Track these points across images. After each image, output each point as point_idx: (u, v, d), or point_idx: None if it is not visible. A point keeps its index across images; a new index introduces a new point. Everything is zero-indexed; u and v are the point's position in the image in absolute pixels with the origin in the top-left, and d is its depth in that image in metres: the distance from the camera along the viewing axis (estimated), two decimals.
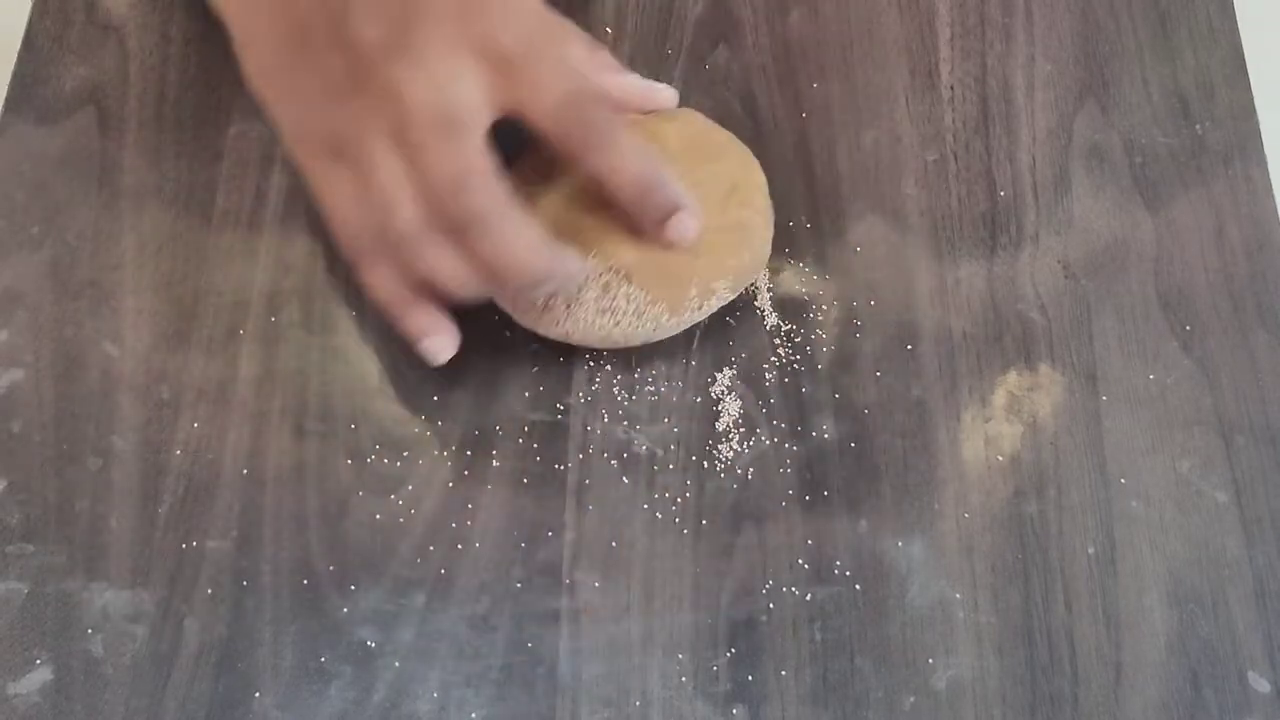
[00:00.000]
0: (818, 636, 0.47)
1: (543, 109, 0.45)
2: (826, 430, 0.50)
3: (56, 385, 0.50)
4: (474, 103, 0.45)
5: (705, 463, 0.49)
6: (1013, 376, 0.51)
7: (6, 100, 0.54)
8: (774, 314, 0.51)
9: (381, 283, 0.47)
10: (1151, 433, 0.50)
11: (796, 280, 0.52)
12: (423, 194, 0.45)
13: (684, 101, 0.55)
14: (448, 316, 0.48)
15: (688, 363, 0.51)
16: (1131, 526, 0.49)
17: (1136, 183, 0.54)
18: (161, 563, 0.47)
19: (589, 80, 0.47)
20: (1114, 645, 0.47)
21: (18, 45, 0.55)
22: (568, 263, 0.46)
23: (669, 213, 0.47)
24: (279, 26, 0.47)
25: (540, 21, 0.47)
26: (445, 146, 0.44)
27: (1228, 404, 0.51)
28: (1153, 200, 0.54)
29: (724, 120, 0.55)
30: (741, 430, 0.50)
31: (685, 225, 0.47)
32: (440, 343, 0.48)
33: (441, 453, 0.49)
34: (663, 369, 0.50)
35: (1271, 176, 0.55)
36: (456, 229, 0.45)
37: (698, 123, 0.52)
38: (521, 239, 0.45)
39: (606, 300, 0.48)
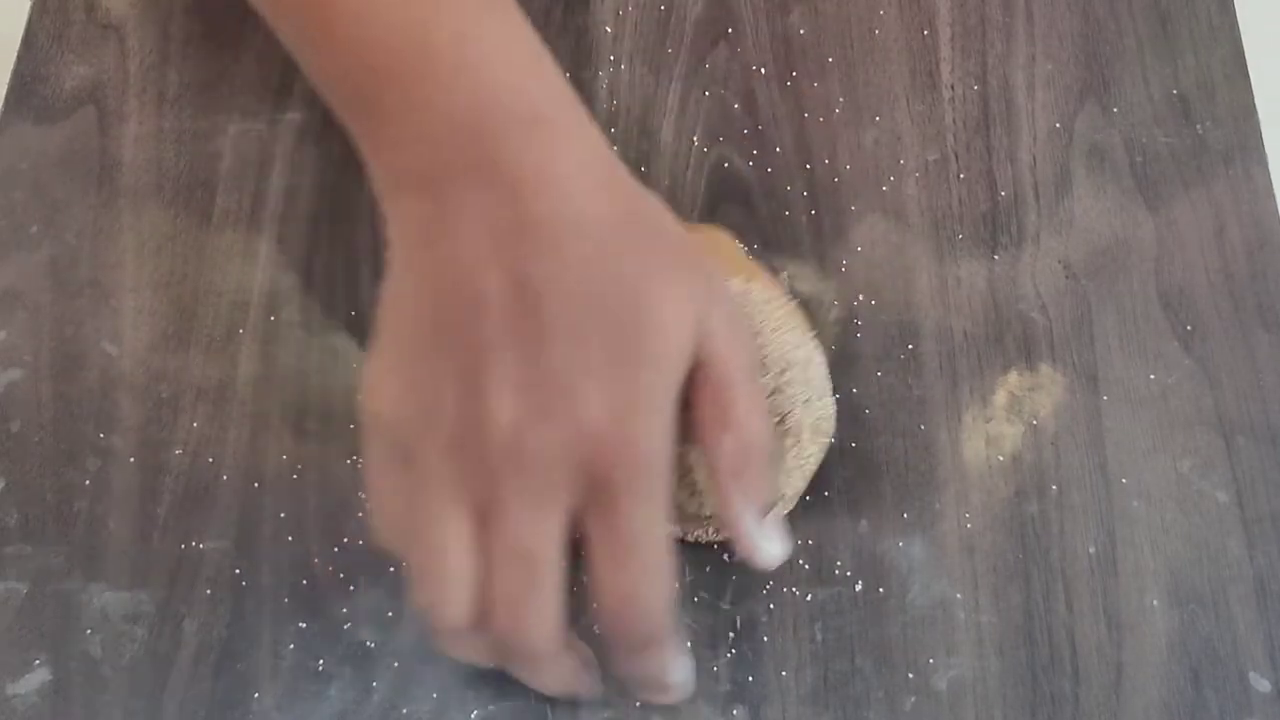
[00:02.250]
0: (818, 636, 0.47)
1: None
2: None
3: (56, 385, 0.50)
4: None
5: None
6: (1013, 376, 0.51)
7: (6, 100, 0.54)
8: None
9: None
10: (1152, 433, 0.50)
11: (797, 280, 0.52)
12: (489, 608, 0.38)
13: (684, 100, 0.55)
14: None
15: None
16: (1132, 526, 0.49)
17: (1137, 183, 0.54)
18: (161, 563, 0.47)
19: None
20: (1115, 645, 0.47)
21: (18, 45, 0.55)
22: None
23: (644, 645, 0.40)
24: (425, 315, 0.38)
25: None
26: (647, 550, 0.38)
27: (1228, 404, 0.51)
28: (1153, 200, 0.54)
29: (724, 120, 0.55)
30: None
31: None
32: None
33: None
34: None
35: (1272, 176, 0.55)
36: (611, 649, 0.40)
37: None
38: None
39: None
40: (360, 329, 0.51)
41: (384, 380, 0.39)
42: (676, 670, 0.42)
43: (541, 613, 0.38)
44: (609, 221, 0.38)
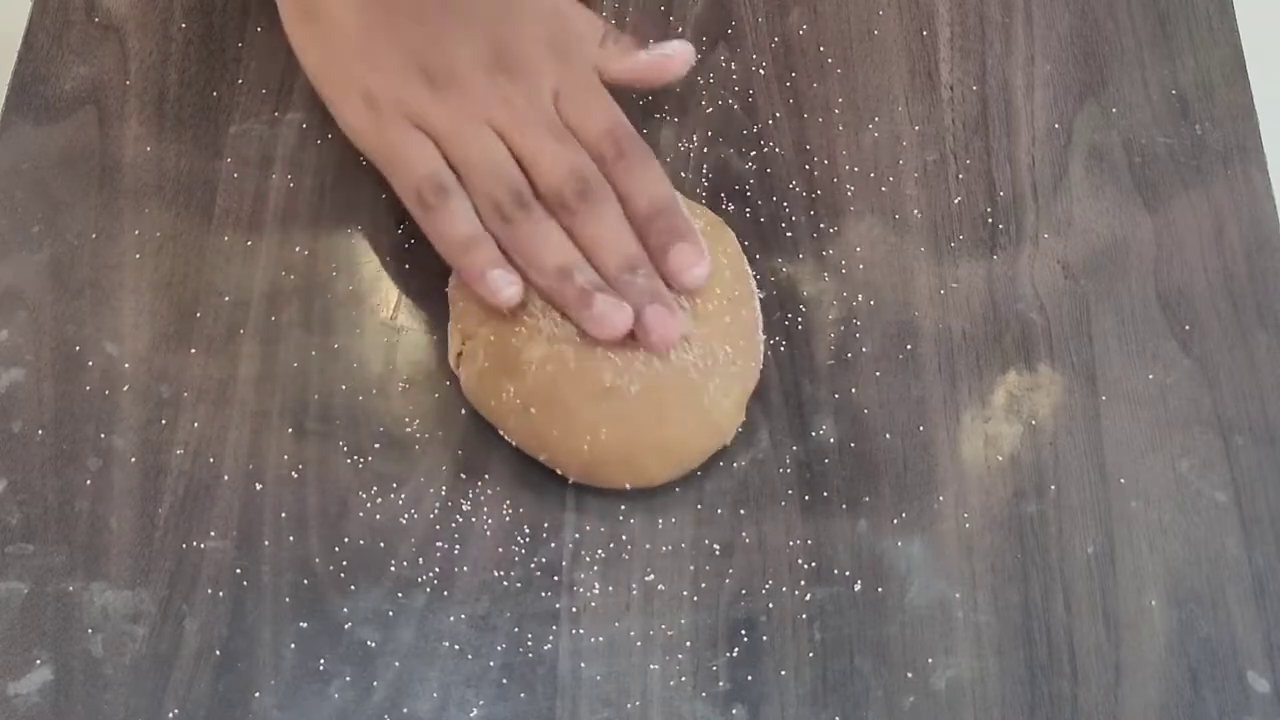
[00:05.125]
0: (817, 636, 0.47)
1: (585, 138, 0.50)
2: (826, 430, 0.50)
3: (56, 385, 0.50)
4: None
5: (705, 462, 0.49)
6: (1012, 376, 0.51)
7: (6, 100, 0.54)
8: (774, 314, 0.51)
9: (454, 225, 0.49)
10: (1151, 433, 0.50)
11: (796, 280, 0.52)
12: (554, 164, 0.48)
13: (684, 101, 0.55)
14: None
15: None
16: (1131, 526, 0.49)
17: (1136, 183, 0.54)
18: (161, 563, 0.47)
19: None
20: (1113, 645, 0.47)
21: (18, 45, 0.55)
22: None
23: (672, 240, 0.48)
24: None
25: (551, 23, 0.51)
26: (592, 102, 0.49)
27: (1227, 404, 0.51)
28: (1152, 200, 0.54)
29: (724, 120, 0.55)
30: (741, 430, 0.50)
31: (689, 259, 0.48)
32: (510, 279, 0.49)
33: (441, 452, 0.49)
34: None
35: (1271, 176, 0.55)
36: (568, 207, 0.48)
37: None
38: (620, 219, 0.49)
39: None
40: (361, 329, 0.51)
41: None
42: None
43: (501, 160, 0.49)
44: None
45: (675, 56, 0.52)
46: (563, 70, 0.50)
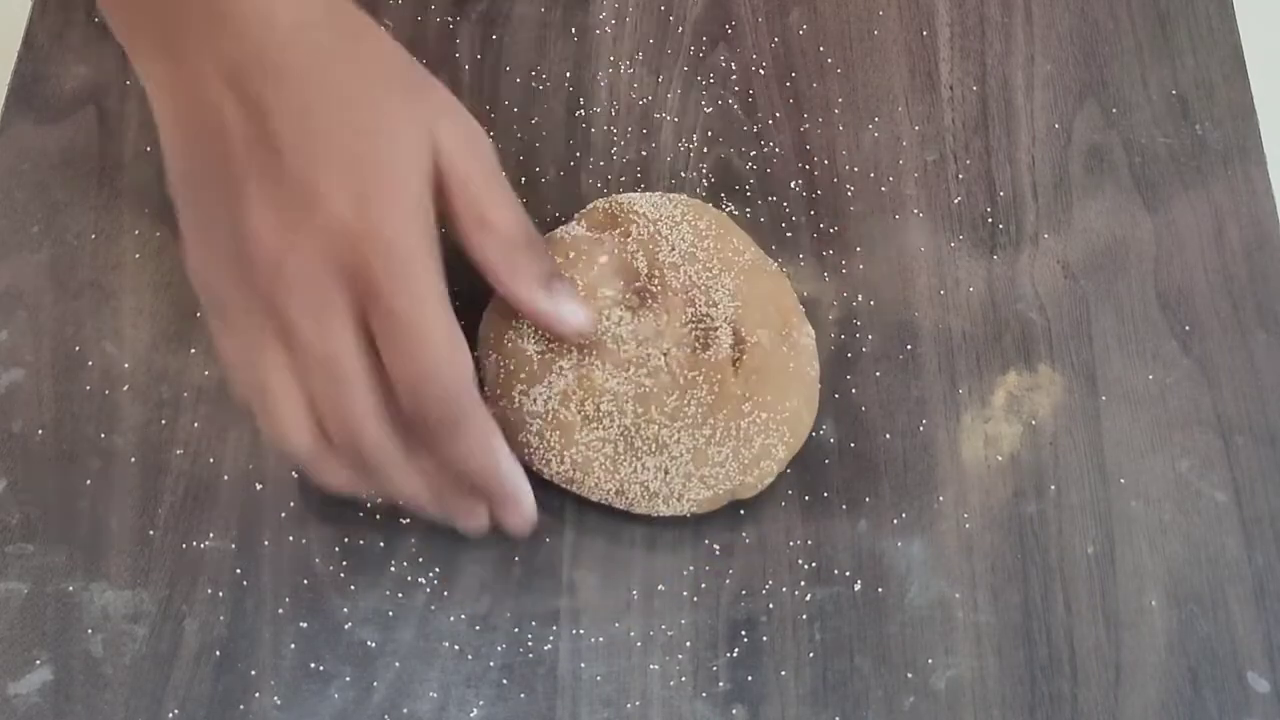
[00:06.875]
0: (817, 636, 0.47)
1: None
2: (826, 430, 0.50)
3: (56, 385, 0.50)
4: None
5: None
6: (1012, 376, 0.51)
7: (7, 100, 0.54)
8: None
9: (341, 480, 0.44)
10: (1151, 433, 0.50)
11: (797, 280, 0.52)
12: (392, 392, 0.41)
13: (684, 101, 0.55)
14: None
15: None
16: (1131, 526, 0.49)
17: (1136, 183, 0.54)
18: (161, 563, 0.47)
19: None
20: (1113, 645, 0.47)
21: (18, 45, 0.55)
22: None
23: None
24: (202, 133, 0.42)
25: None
26: (423, 330, 0.41)
27: (1227, 404, 0.51)
28: (1152, 200, 0.54)
29: (724, 120, 0.55)
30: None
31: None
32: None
33: None
34: None
35: (1271, 176, 0.55)
36: (426, 436, 0.42)
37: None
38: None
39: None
40: None
41: (185, 242, 0.42)
42: (505, 459, 0.44)
43: (360, 405, 0.41)
44: (330, 46, 0.41)
45: (582, 320, 0.46)
46: None
